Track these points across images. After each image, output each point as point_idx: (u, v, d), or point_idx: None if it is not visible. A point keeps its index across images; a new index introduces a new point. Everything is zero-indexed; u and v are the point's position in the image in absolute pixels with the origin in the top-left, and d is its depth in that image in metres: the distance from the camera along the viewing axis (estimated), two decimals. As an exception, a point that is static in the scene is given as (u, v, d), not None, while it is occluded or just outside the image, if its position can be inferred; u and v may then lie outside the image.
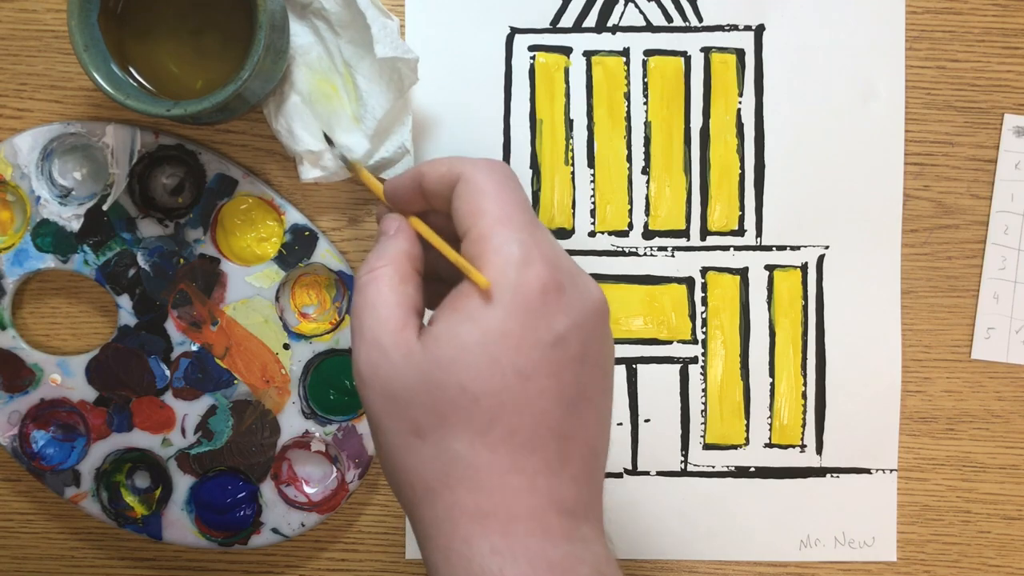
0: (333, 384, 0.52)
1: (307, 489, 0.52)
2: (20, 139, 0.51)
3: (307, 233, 0.52)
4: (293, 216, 0.52)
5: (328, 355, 0.52)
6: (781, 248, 0.53)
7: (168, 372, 0.52)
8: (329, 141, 0.47)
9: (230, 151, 0.53)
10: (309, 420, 0.52)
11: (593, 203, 0.53)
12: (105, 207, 0.50)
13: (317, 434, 0.52)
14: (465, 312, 0.36)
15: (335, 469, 0.52)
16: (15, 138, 0.51)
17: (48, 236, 0.51)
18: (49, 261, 0.51)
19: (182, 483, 0.52)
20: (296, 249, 0.52)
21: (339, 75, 0.50)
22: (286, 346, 0.52)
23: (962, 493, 0.54)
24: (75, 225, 0.51)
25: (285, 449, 0.52)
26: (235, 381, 0.52)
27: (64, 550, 0.54)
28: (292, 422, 0.52)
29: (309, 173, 0.50)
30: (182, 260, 0.51)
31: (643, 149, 0.53)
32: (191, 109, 0.45)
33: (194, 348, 0.52)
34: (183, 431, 0.52)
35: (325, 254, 0.52)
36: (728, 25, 0.53)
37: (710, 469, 0.53)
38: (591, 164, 0.53)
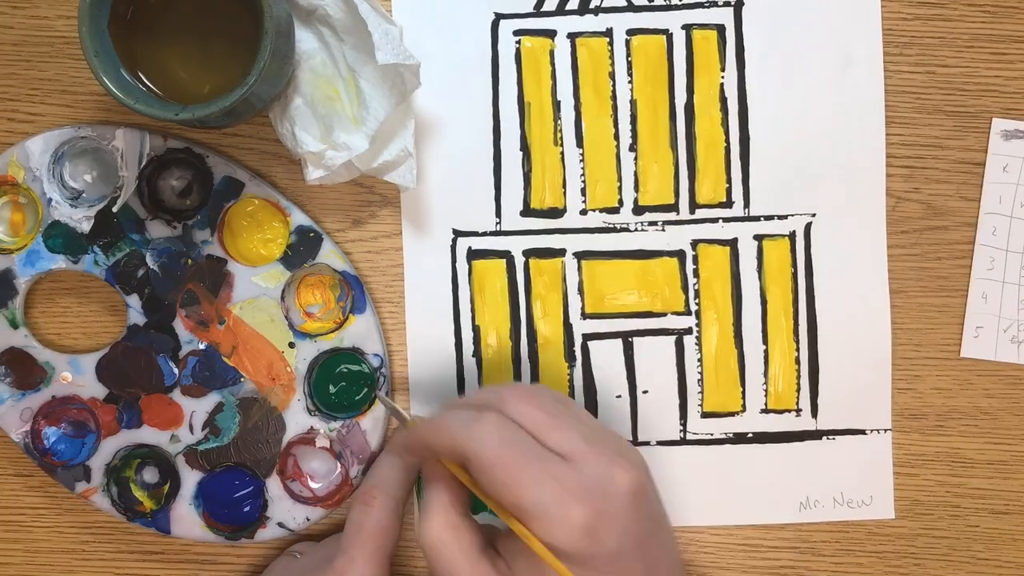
0: (337, 382, 0.54)
1: (312, 484, 0.53)
2: (32, 143, 0.52)
3: (312, 234, 0.53)
4: (298, 218, 0.53)
5: (332, 353, 0.53)
6: (769, 218, 0.54)
7: (176, 370, 0.53)
8: None
9: (237, 154, 0.54)
10: (314, 417, 0.53)
11: (583, 182, 0.54)
12: (115, 209, 0.51)
13: (322, 430, 0.53)
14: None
15: (339, 465, 0.53)
16: (27, 142, 0.52)
17: (59, 237, 0.52)
18: (60, 262, 0.52)
19: (190, 478, 0.53)
20: (301, 250, 0.53)
21: (342, 79, 0.51)
22: (291, 344, 0.53)
23: (952, 488, 0.55)
24: (85, 227, 0.52)
25: (290, 445, 0.53)
26: (242, 379, 0.53)
27: (75, 544, 0.55)
28: (297, 419, 0.53)
29: (314, 174, 0.51)
30: (190, 261, 0.52)
31: (630, 127, 0.54)
32: (199, 113, 0.45)
33: (202, 347, 0.53)
34: (191, 428, 0.53)
35: (330, 255, 0.53)
36: (707, 2, 0.54)
37: (709, 437, 0.55)
38: (579, 144, 0.54)
